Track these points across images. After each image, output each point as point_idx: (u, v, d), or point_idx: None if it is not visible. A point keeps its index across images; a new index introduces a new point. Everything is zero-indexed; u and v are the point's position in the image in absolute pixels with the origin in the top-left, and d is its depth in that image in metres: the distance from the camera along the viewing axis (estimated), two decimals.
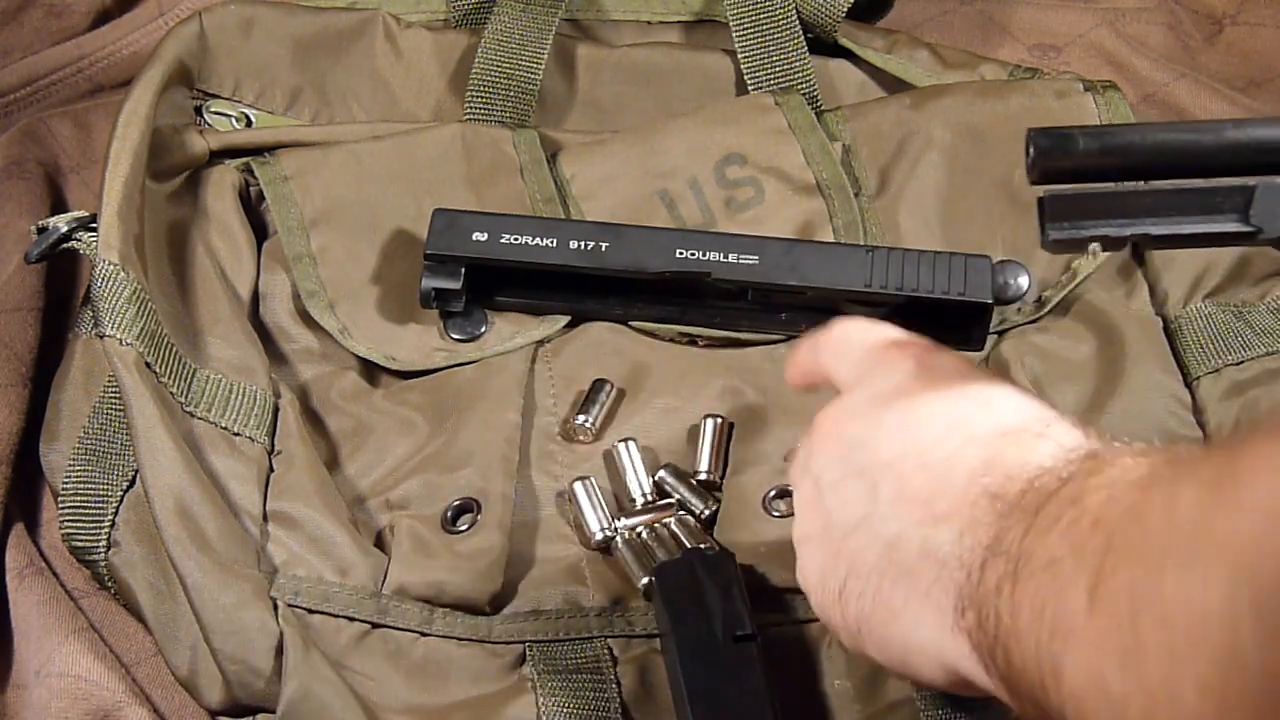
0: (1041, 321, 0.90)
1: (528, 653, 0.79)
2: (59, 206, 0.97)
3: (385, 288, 0.90)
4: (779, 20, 0.98)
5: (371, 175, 0.92)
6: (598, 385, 0.88)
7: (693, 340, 0.91)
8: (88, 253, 0.85)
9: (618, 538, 0.83)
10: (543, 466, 0.86)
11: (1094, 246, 0.91)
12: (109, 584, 0.81)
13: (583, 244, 0.88)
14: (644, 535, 0.83)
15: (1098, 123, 0.94)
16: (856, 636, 0.65)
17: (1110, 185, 0.66)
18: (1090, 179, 0.64)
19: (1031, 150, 0.63)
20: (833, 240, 0.91)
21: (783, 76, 0.98)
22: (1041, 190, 0.65)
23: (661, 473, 0.85)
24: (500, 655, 0.79)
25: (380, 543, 0.82)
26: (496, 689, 0.78)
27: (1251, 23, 1.09)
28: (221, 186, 0.92)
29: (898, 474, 0.62)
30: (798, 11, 0.98)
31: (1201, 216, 0.63)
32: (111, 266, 0.81)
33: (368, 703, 0.77)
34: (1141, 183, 0.66)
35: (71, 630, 0.80)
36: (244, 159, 0.94)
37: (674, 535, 0.82)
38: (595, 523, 0.83)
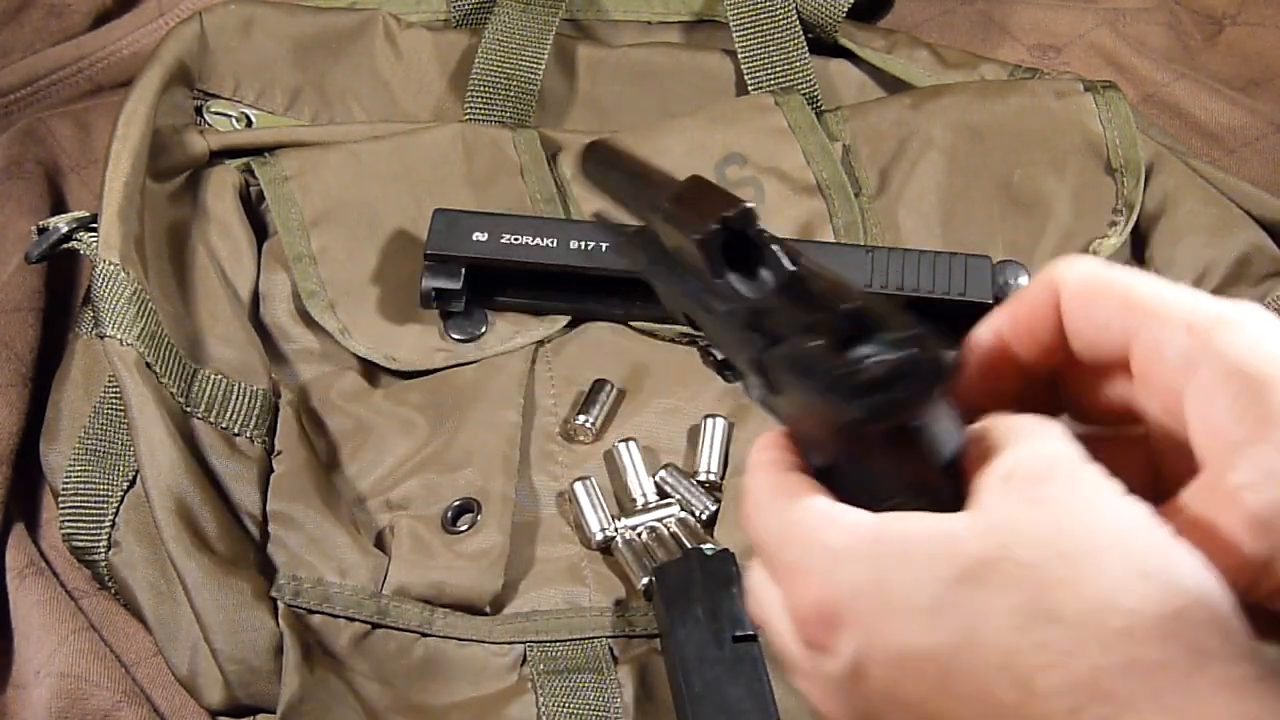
0: None
1: (528, 653, 0.79)
2: (59, 206, 0.97)
3: (385, 288, 0.90)
4: (779, 20, 0.98)
5: (371, 175, 0.92)
6: (598, 385, 0.88)
7: (693, 340, 0.91)
8: (88, 253, 0.85)
9: (618, 538, 0.83)
10: (543, 466, 0.86)
11: (1094, 244, 0.91)
12: (109, 584, 0.81)
13: (583, 244, 0.88)
14: (644, 535, 0.83)
15: (1098, 121, 0.94)
16: None
17: None
18: None
19: None
20: (833, 240, 0.91)
21: (783, 76, 0.98)
22: None
23: (662, 473, 0.85)
24: (500, 655, 0.79)
25: (380, 543, 0.82)
26: (497, 689, 0.78)
27: (1252, 23, 1.09)
28: (222, 186, 0.92)
29: None
30: (798, 11, 0.98)
31: None
32: (112, 267, 0.81)
33: (368, 703, 0.77)
34: None
35: (71, 630, 0.80)
36: (244, 159, 0.94)
37: (674, 535, 0.82)
38: (596, 523, 0.83)
